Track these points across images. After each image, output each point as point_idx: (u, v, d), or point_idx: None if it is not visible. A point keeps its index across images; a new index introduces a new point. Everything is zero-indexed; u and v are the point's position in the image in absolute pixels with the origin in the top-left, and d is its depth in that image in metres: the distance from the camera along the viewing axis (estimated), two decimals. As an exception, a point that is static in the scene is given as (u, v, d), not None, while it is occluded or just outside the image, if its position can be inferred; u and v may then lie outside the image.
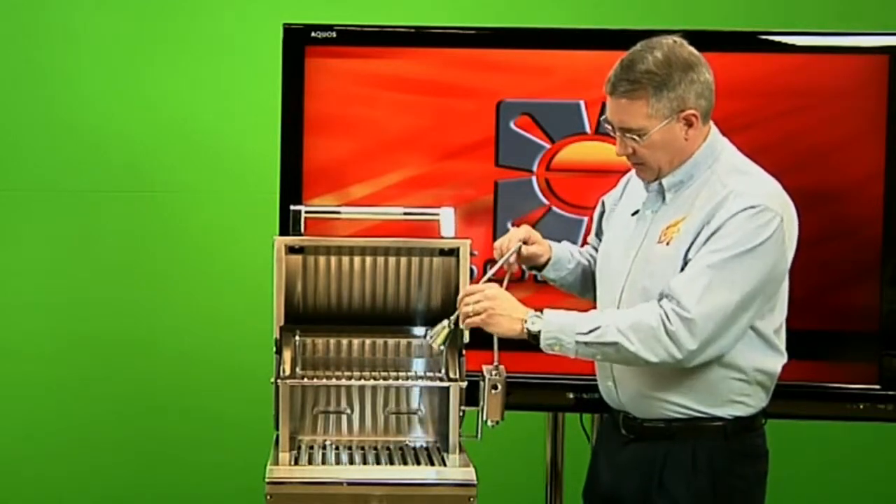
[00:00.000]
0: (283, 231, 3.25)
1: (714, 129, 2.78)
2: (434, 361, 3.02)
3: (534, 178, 3.39)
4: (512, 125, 3.38)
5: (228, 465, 4.15)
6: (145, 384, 4.24)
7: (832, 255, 3.32)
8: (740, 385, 2.75)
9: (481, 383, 2.81)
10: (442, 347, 2.86)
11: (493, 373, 2.78)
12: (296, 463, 2.84)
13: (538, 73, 3.38)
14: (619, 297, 2.80)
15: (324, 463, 2.86)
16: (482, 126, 3.38)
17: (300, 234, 3.00)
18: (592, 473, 2.99)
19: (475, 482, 2.74)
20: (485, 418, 2.83)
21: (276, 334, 2.94)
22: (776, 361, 2.78)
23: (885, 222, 3.31)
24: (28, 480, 4.24)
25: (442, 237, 2.99)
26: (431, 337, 2.83)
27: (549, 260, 3.00)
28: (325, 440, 3.01)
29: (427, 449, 2.98)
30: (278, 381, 2.88)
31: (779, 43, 3.36)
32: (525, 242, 2.94)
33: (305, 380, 2.98)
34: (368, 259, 2.99)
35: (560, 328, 2.68)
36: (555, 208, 3.39)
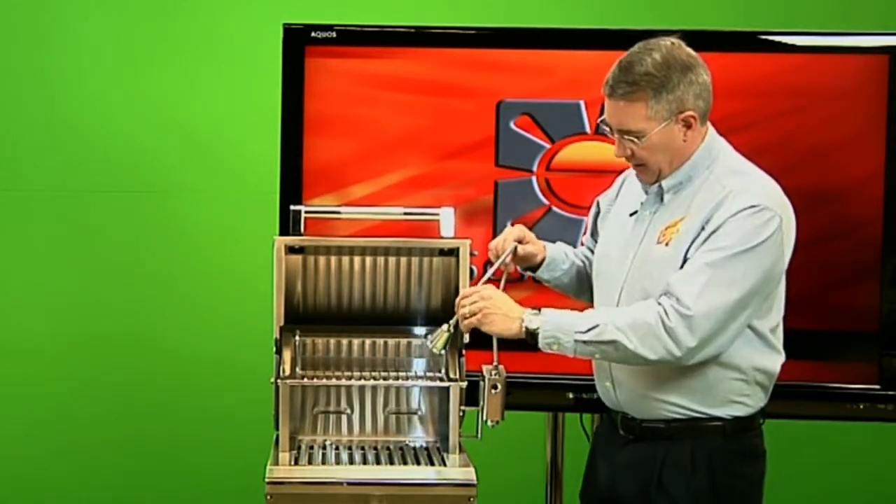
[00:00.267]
0: (283, 231, 3.25)
1: (712, 130, 2.78)
2: (434, 361, 3.02)
3: (534, 178, 3.39)
4: (512, 125, 3.38)
5: (228, 465, 4.15)
6: (145, 384, 4.24)
7: (832, 255, 3.32)
8: (739, 385, 2.75)
9: (481, 383, 2.80)
10: (442, 352, 2.87)
11: (493, 373, 2.78)
12: (296, 463, 2.84)
13: (538, 73, 3.38)
14: (617, 297, 2.80)
15: (324, 463, 2.86)
16: (482, 126, 3.38)
17: (300, 234, 3.00)
18: (589, 474, 2.99)
19: (475, 482, 2.74)
20: (485, 418, 2.83)
21: (276, 334, 2.94)
22: (775, 360, 2.78)
23: (885, 222, 3.31)
24: (28, 480, 4.24)
25: (442, 237, 2.99)
26: (431, 341, 2.83)
27: (543, 260, 3.00)
28: (325, 440, 3.01)
29: (427, 449, 2.98)
30: (278, 381, 2.88)
31: (779, 43, 3.36)
32: (520, 242, 2.94)
33: (305, 380, 2.98)
34: (368, 259, 2.99)
35: (558, 327, 2.68)
36: (555, 208, 3.39)
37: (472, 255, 2.93)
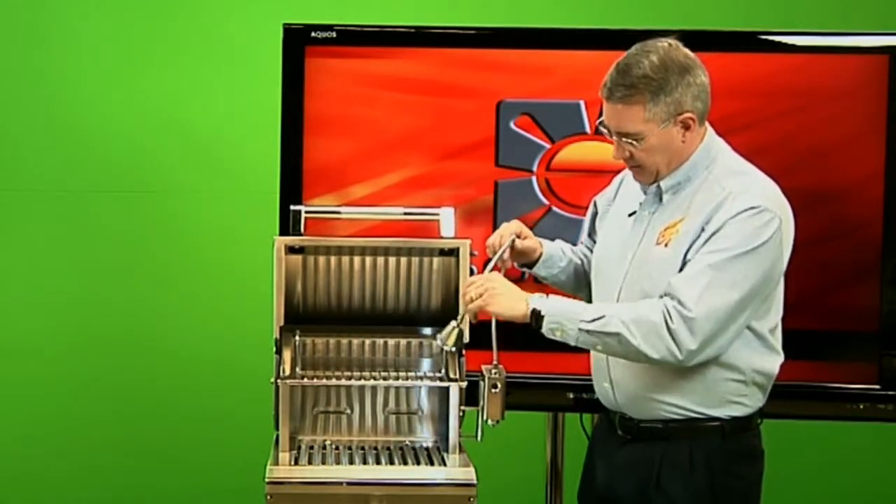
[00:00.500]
0: (283, 231, 3.25)
1: (710, 131, 2.78)
2: (434, 361, 3.02)
3: (534, 178, 3.39)
4: (512, 125, 3.38)
5: (228, 465, 4.15)
6: (145, 384, 4.24)
7: (832, 255, 3.32)
8: (737, 386, 2.75)
9: (481, 383, 2.81)
10: (453, 348, 2.86)
11: (493, 372, 2.78)
12: (296, 463, 2.84)
13: (538, 73, 3.39)
14: (616, 297, 2.80)
15: (324, 463, 2.86)
16: (482, 126, 3.39)
17: (300, 234, 3.00)
18: (587, 475, 2.99)
19: (475, 482, 2.74)
20: (485, 418, 2.83)
21: (276, 334, 2.94)
22: (773, 361, 2.78)
23: (885, 222, 3.31)
24: (28, 480, 4.24)
25: (442, 237, 2.99)
26: (442, 339, 2.81)
27: (540, 256, 3.00)
28: (325, 440, 3.01)
29: (427, 449, 2.98)
30: (278, 381, 2.88)
31: (779, 43, 3.36)
32: (518, 236, 2.94)
33: (305, 380, 2.98)
34: (368, 259, 2.99)
35: (563, 313, 2.68)
36: (555, 208, 3.39)
37: (472, 255, 2.93)
